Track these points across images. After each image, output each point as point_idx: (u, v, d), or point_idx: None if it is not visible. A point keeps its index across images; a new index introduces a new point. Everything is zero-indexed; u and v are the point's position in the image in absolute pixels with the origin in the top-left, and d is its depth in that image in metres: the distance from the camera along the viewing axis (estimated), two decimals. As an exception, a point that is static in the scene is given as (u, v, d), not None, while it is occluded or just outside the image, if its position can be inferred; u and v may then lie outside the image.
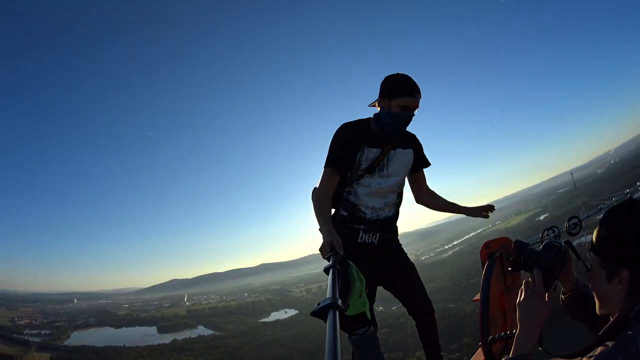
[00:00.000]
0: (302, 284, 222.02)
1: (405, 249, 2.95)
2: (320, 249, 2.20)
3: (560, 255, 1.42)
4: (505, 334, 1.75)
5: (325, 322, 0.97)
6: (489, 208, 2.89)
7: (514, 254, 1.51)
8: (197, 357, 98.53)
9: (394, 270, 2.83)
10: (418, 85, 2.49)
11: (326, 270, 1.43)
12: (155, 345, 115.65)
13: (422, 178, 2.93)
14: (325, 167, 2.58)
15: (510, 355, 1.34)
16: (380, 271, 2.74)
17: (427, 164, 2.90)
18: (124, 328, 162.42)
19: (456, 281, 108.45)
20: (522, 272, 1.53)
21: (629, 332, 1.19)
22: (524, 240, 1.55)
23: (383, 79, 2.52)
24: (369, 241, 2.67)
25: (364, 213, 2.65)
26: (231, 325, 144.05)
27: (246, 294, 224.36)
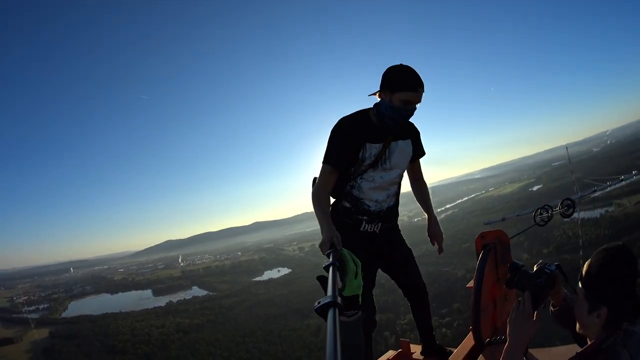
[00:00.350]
0: (295, 243, 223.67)
1: (399, 209, 3.00)
2: (320, 245, 2.23)
3: (550, 281, 1.63)
4: (501, 338, 2.11)
5: (326, 320, 0.99)
6: (438, 249, 2.96)
7: (509, 275, 1.73)
8: (192, 318, 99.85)
9: (393, 255, 2.89)
10: (422, 78, 2.40)
11: (326, 268, 1.44)
12: (151, 308, 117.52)
13: (417, 167, 2.99)
14: (324, 163, 2.57)
15: None
16: (380, 256, 2.81)
17: (423, 153, 2.91)
18: (120, 293, 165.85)
19: (449, 244, 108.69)
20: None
21: None
22: (518, 263, 1.74)
23: (385, 70, 2.42)
24: (371, 230, 2.71)
25: (368, 206, 2.67)
26: (225, 285, 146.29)
27: (240, 253, 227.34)
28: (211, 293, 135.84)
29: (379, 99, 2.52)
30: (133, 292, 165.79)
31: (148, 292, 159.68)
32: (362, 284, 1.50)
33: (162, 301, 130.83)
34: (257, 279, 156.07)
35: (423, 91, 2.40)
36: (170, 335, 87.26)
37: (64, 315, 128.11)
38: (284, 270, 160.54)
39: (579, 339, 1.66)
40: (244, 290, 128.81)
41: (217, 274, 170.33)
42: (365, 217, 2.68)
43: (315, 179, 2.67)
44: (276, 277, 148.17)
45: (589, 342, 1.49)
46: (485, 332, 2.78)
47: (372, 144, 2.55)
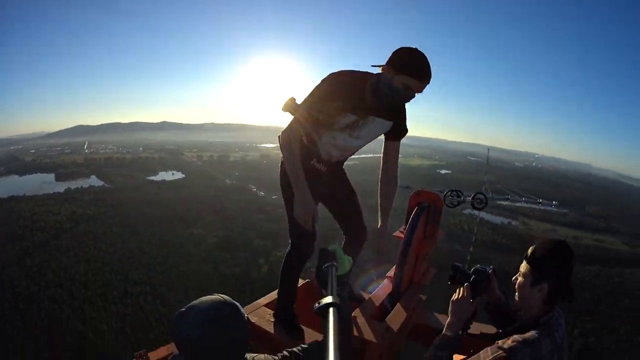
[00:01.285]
0: (196, 150, 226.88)
1: None
2: (295, 216, 2.42)
3: (483, 277, 2.02)
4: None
5: (325, 320, 1.06)
6: (380, 259, 2.91)
7: (451, 273, 2.09)
8: (85, 208, 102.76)
9: (338, 193, 2.90)
10: (431, 71, 2.26)
11: (325, 269, 1.54)
12: (51, 193, 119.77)
13: (394, 149, 2.71)
14: (303, 106, 2.43)
15: (442, 333, 1.92)
16: (323, 192, 2.76)
17: (402, 134, 2.67)
18: (27, 175, 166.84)
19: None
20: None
21: (537, 334, 1.63)
22: (459, 264, 2.09)
23: (398, 48, 2.28)
24: (318, 167, 2.67)
25: (320, 153, 2.65)
26: (121, 178, 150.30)
27: (141, 149, 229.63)
28: (107, 185, 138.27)
29: (381, 71, 2.36)
30: (39, 174, 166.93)
31: (51, 177, 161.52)
32: (351, 260, 1.67)
33: (62, 187, 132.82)
34: (151, 177, 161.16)
35: (428, 83, 2.28)
36: (63, 224, 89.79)
37: None
38: (178, 175, 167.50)
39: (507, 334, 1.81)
40: (138, 187, 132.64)
41: (116, 166, 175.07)
42: (315, 158, 2.64)
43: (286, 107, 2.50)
44: (169, 179, 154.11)
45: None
46: (404, 283, 2.99)
47: (353, 114, 2.47)
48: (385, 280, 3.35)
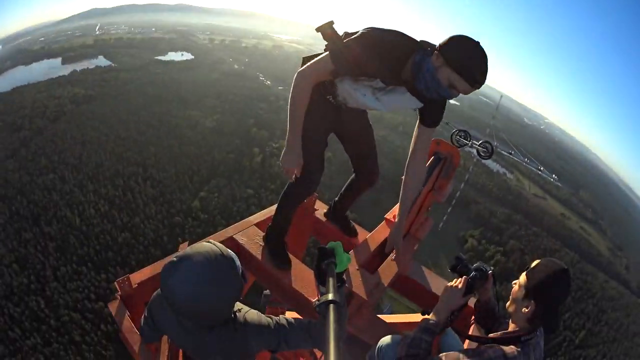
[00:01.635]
0: (209, 33, 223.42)
1: None
2: (280, 163, 2.36)
3: (483, 276, 2.08)
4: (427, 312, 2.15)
5: (325, 318, 1.06)
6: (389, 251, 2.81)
7: (454, 262, 2.15)
8: (88, 89, 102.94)
9: (353, 129, 2.70)
10: (486, 76, 1.97)
11: (325, 266, 1.55)
12: (55, 78, 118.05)
13: (424, 138, 2.45)
14: (328, 58, 2.15)
15: (427, 317, 1.98)
16: (336, 123, 2.58)
17: (434, 123, 2.39)
18: (34, 64, 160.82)
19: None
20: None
21: (517, 352, 1.67)
22: (464, 257, 2.16)
23: (456, 37, 1.94)
24: (333, 102, 2.46)
25: (337, 95, 2.38)
26: (128, 58, 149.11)
27: (154, 29, 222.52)
28: (114, 65, 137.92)
29: (429, 56, 2.03)
30: (45, 61, 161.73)
31: (57, 61, 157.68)
32: (350, 257, 1.69)
33: (67, 70, 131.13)
34: (159, 57, 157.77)
35: (478, 89, 2.00)
36: (64, 107, 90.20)
37: None
38: (187, 56, 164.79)
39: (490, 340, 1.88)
40: (144, 67, 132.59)
41: (125, 46, 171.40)
42: (330, 96, 2.41)
43: (305, 59, 2.33)
44: (177, 60, 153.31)
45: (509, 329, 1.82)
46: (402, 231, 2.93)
47: (382, 82, 2.21)
48: (383, 223, 3.21)
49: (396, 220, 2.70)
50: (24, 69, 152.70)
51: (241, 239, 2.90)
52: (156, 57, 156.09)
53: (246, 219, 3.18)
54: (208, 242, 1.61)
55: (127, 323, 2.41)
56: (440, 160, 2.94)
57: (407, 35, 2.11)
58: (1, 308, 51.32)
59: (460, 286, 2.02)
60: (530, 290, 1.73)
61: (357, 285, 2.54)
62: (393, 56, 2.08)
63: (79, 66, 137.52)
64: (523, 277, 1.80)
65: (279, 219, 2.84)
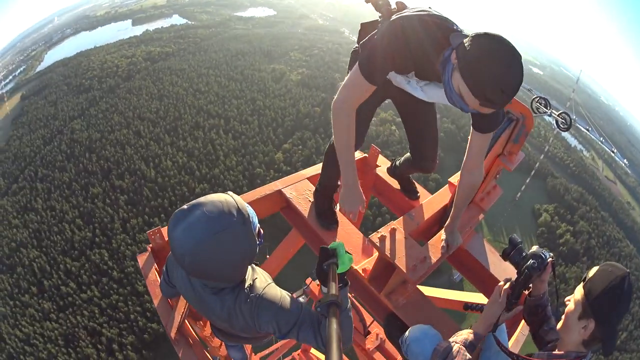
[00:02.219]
0: None
1: None
2: (341, 206, 2.41)
3: (541, 266, 1.89)
4: (477, 305, 2.39)
5: (327, 319, 1.20)
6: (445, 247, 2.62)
7: (507, 247, 2.00)
8: (164, 46, 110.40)
9: (412, 102, 2.46)
10: (509, 93, 1.62)
11: (326, 266, 1.64)
12: (126, 39, 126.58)
13: (479, 144, 2.24)
14: (358, 73, 2.00)
15: (470, 331, 1.96)
16: (397, 93, 2.44)
17: (487, 128, 2.14)
18: (99, 28, 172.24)
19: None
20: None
21: None
22: (518, 239, 2.00)
23: (481, 33, 1.64)
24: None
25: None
26: (206, 15, 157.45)
27: None
28: (190, 22, 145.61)
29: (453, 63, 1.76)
30: (113, 24, 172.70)
31: (127, 23, 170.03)
32: (352, 258, 1.75)
33: (139, 30, 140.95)
34: (240, 14, 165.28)
35: (492, 109, 1.73)
36: (137, 65, 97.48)
37: (38, 69, 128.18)
38: (269, 12, 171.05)
39: (538, 341, 1.97)
40: (223, 24, 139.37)
41: (202, 3, 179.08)
42: None
43: (363, 27, 2.27)
44: (259, 16, 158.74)
45: (558, 350, 1.74)
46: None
47: (418, 77, 2.08)
48: (446, 188, 3.15)
49: (449, 221, 2.62)
50: (87, 35, 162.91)
51: (290, 193, 3.05)
52: (236, 14, 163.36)
53: (300, 171, 3.28)
54: (227, 193, 1.61)
55: (152, 276, 2.66)
56: (511, 121, 2.78)
57: (445, 21, 1.88)
58: (57, 264, 54.33)
59: (500, 299, 1.92)
60: (589, 307, 1.60)
61: (400, 257, 2.41)
62: (424, 50, 1.89)
63: (152, 26, 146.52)
64: (579, 292, 1.67)
65: (325, 175, 2.93)
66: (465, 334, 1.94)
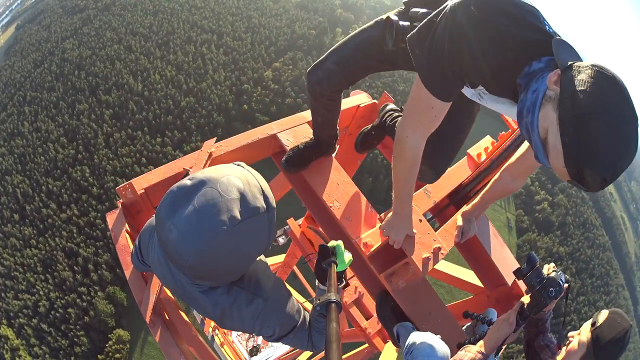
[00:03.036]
0: None
1: None
2: (386, 233, 2.19)
3: (558, 295, 1.86)
4: (480, 315, 2.32)
5: (327, 317, 1.17)
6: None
7: (524, 267, 1.86)
8: None
9: (461, 105, 2.03)
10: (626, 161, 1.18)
11: (326, 265, 1.61)
12: None
13: (534, 165, 2.11)
14: (425, 91, 1.58)
15: (477, 351, 1.97)
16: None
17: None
18: None
19: None
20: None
21: None
22: (536, 258, 1.89)
23: (596, 83, 1.15)
24: None
25: None
26: None
27: None
28: None
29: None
30: None
31: None
32: (351, 257, 1.75)
33: None
34: None
35: (586, 190, 1.26)
36: None
37: None
38: None
39: (530, 352, 2.06)
40: None
41: None
42: None
43: (410, 41, 1.62)
44: None
45: None
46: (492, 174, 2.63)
47: (486, 89, 1.53)
48: (464, 160, 2.96)
49: (470, 209, 2.50)
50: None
51: (285, 138, 2.79)
52: None
53: (299, 113, 3.01)
54: (240, 166, 1.37)
55: (123, 240, 2.47)
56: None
57: (536, 16, 1.35)
58: (39, 185, 55.66)
59: (510, 320, 1.94)
60: (594, 353, 1.71)
61: (413, 249, 2.25)
62: (501, 54, 1.37)
63: None
64: (586, 335, 1.75)
65: (317, 126, 2.64)
66: (473, 354, 1.93)
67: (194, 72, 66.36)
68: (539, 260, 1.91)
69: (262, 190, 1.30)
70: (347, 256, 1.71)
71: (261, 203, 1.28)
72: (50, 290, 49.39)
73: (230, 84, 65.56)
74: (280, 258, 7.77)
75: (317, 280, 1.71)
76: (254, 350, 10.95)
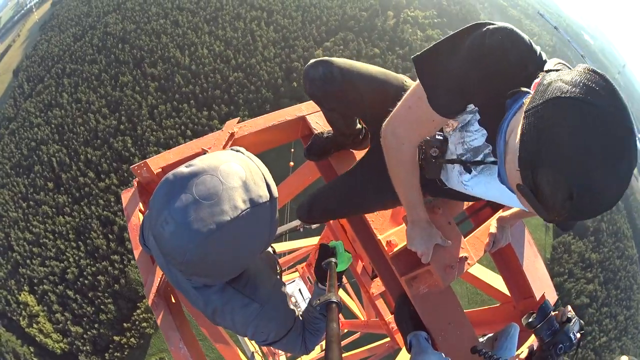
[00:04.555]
0: None
1: None
2: (412, 247, 2.01)
3: (567, 350, 1.86)
4: (488, 353, 2.06)
5: (327, 317, 1.24)
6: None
7: (534, 319, 1.89)
8: None
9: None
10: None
11: (325, 265, 1.70)
12: None
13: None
14: (419, 102, 1.48)
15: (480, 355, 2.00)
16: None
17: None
18: None
19: None
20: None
21: None
22: (550, 306, 1.87)
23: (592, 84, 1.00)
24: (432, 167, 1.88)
25: (437, 162, 1.82)
26: None
27: None
28: None
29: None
30: None
31: None
32: (351, 256, 1.82)
33: None
34: None
35: (555, 221, 1.10)
36: None
37: None
38: None
39: None
40: None
41: None
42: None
43: (416, 62, 1.46)
44: None
45: None
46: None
47: (481, 125, 1.48)
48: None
49: (507, 215, 2.38)
50: None
51: (315, 122, 2.81)
52: None
53: None
54: (240, 152, 1.37)
55: (135, 219, 2.53)
56: None
57: (526, 45, 1.28)
58: (77, 155, 58.06)
59: None
60: None
61: (436, 257, 2.08)
62: (499, 79, 1.29)
63: None
64: None
65: (333, 123, 2.56)
66: None
67: (243, 48, 68.28)
68: (552, 308, 1.90)
69: (265, 179, 1.31)
70: (347, 256, 1.79)
71: (264, 192, 1.28)
72: (81, 257, 51.39)
73: (280, 61, 67.33)
74: (315, 240, 8.21)
75: (316, 280, 1.83)
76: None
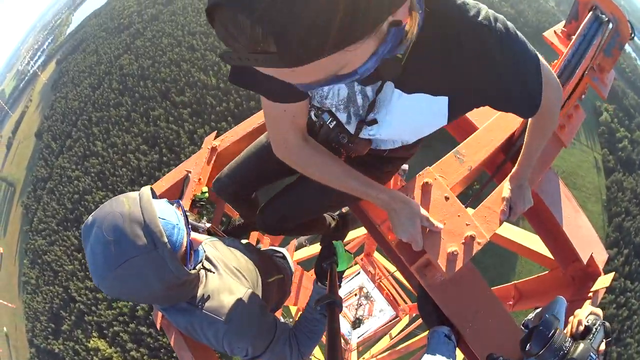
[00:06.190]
0: None
1: None
2: (399, 236, 1.73)
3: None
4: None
5: (328, 317, 1.38)
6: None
7: (532, 343, 1.48)
8: None
9: None
10: None
11: (326, 265, 1.81)
12: None
13: (541, 126, 1.91)
14: (264, 99, 1.60)
15: None
16: None
17: (528, 110, 1.59)
18: None
19: None
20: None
21: None
22: (552, 322, 1.48)
23: None
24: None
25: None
26: None
27: None
28: None
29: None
30: None
31: None
32: (351, 256, 1.90)
33: None
34: None
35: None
36: None
37: (68, 32, 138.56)
38: None
39: None
40: None
41: None
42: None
43: None
44: None
45: None
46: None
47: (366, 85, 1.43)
48: (497, 120, 2.41)
49: (516, 169, 2.04)
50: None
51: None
52: None
53: None
54: (138, 193, 1.48)
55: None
56: (601, 24, 2.40)
57: None
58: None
59: None
60: None
61: (435, 243, 1.86)
62: None
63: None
64: None
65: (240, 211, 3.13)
66: None
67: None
68: (557, 324, 1.51)
69: (145, 223, 1.31)
70: (347, 256, 1.91)
71: (142, 241, 1.31)
72: (150, 293, 53.48)
73: (309, 63, 68.52)
74: (364, 230, 8.18)
75: (316, 279, 1.92)
76: (357, 322, 11.49)
